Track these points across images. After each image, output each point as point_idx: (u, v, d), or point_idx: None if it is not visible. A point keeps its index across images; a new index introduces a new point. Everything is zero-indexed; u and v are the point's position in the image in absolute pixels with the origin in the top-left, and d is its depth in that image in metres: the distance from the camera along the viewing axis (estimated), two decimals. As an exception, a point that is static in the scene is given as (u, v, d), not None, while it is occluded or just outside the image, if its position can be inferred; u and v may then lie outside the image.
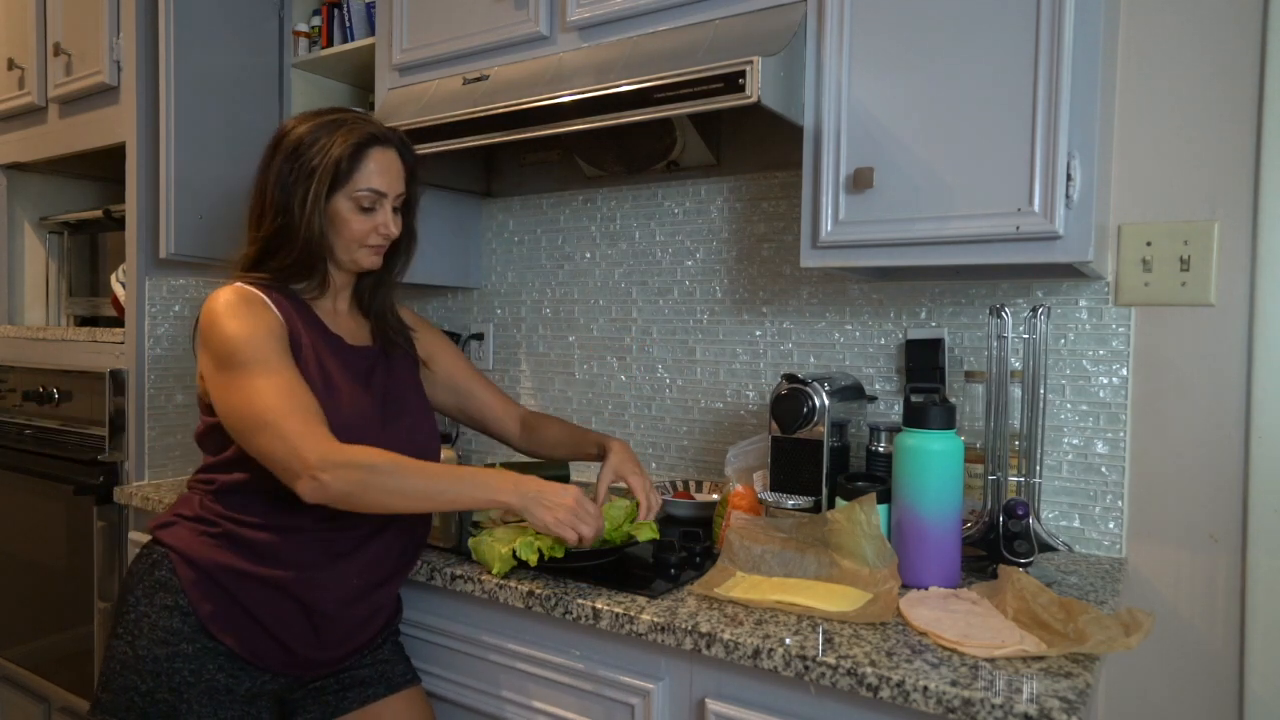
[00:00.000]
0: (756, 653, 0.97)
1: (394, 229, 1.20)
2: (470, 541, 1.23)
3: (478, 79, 1.59)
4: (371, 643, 1.22)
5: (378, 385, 1.22)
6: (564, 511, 1.07)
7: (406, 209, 1.24)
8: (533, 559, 1.15)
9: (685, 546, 1.28)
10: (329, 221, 1.15)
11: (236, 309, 1.10)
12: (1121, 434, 1.34)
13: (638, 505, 1.25)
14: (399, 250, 1.27)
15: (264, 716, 1.14)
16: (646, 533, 1.24)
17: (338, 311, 1.24)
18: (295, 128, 1.16)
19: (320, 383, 1.13)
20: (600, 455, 1.31)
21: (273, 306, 1.13)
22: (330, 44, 1.98)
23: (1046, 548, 1.24)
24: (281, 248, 1.16)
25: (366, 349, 1.24)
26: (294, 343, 1.13)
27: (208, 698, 1.09)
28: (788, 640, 0.98)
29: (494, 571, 1.18)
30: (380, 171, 1.16)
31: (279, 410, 1.03)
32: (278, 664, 1.14)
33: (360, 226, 1.17)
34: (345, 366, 1.18)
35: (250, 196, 1.19)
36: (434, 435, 1.27)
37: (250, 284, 1.15)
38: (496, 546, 1.18)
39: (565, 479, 1.65)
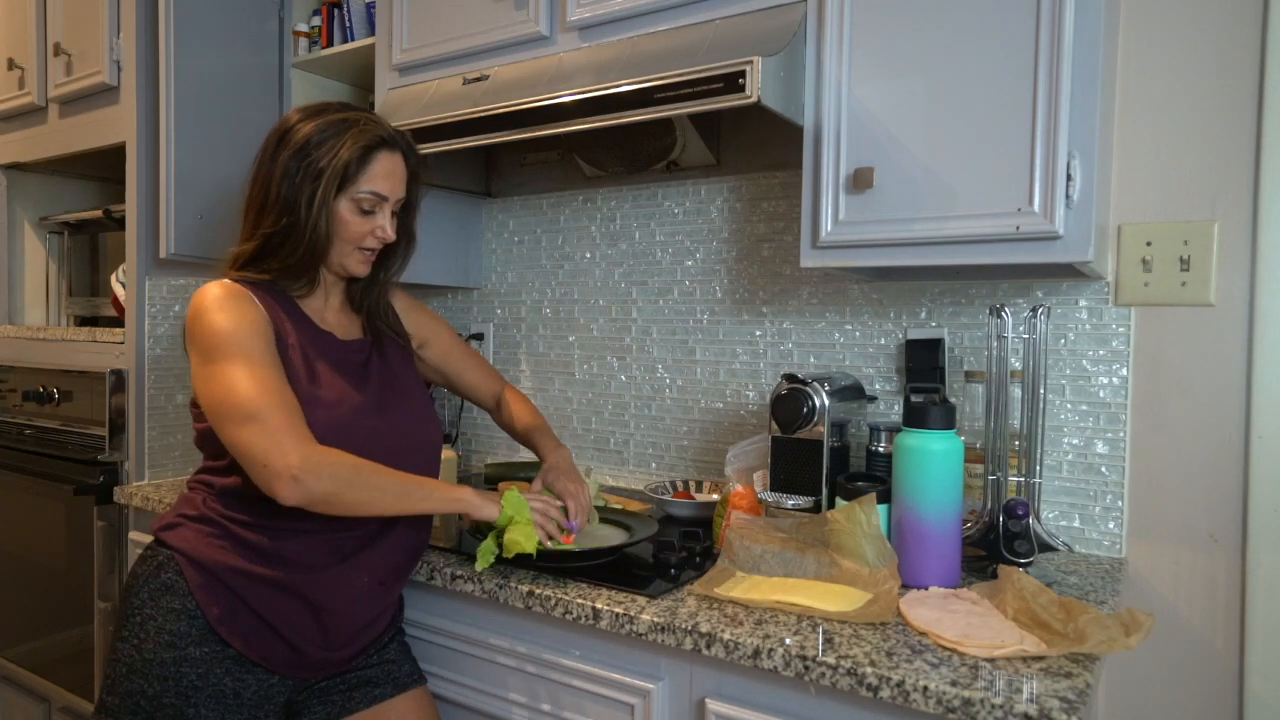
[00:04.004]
0: (756, 653, 0.97)
1: (390, 233, 1.19)
2: (505, 539, 1.16)
3: (478, 79, 1.59)
4: (378, 642, 1.22)
5: (374, 376, 1.22)
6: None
7: (406, 211, 1.24)
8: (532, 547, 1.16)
9: (685, 546, 1.28)
10: (330, 222, 1.15)
11: (223, 303, 1.10)
12: (1121, 434, 1.34)
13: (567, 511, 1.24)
14: (396, 252, 1.26)
15: (270, 719, 1.15)
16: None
17: (328, 308, 1.24)
18: (301, 124, 1.15)
19: (305, 378, 1.12)
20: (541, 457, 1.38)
21: (258, 304, 1.13)
22: (330, 44, 1.98)
23: (1046, 548, 1.24)
24: (283, 246, 1.15)
25: (359, 342, 1.24)
26: (279, 340, 1.13)
27: (215, 701, 1.09)
28: (788, 640, 0.98)
29: (533, 553, 1.15)
30: (384, 175, 1.16)
31: (263, 404, 1.03)
32: (286, 665, 1.13)
33: (358, 228, 1.16)
34: (336, 361, 1.18)
35: (248, 189, 1.18)
36: (433, 420, 1.27)
37: (238, 281, 1.15)
38: (525, 529, 1.16)
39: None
